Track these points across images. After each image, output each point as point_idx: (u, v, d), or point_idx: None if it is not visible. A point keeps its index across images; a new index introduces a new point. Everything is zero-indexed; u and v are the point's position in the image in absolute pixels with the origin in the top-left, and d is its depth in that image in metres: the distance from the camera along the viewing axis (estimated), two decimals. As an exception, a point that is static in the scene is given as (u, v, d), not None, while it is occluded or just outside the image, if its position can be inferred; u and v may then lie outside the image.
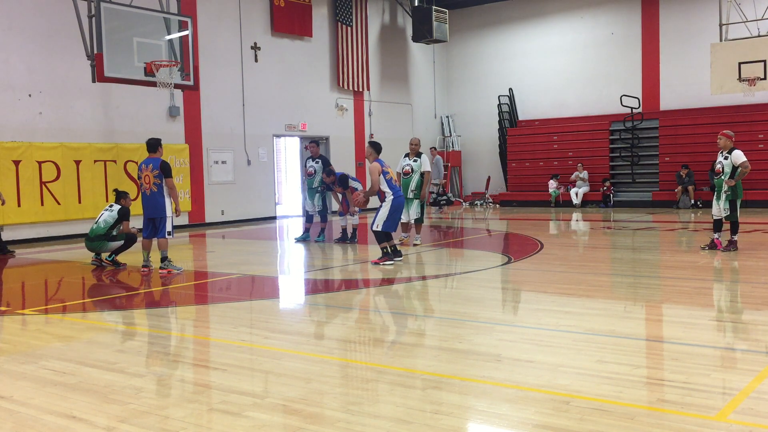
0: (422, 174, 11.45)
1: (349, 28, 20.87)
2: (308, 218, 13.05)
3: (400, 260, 9.82)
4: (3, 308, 7.54)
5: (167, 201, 9.43)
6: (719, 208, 9.99)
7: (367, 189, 10.28)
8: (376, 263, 9.67)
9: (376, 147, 10.12)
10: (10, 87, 13.69)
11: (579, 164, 20.68)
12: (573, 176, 20.68)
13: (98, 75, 11.36)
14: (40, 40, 14.08)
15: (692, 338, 5.34)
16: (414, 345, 5.47)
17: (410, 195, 11.45)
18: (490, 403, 4.00)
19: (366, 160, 10.51)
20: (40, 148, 13.96)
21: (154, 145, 9.56)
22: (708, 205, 18.64)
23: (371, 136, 21.63)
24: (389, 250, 9.73)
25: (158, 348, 5.70)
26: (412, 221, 11.57)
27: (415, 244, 11.56)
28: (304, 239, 12.90)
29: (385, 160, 10.07)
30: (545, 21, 22.74)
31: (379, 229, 9.73)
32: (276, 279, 9.59)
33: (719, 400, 3.96)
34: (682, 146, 19.54)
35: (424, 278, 8.97)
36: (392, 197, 9.78)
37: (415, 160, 11.53)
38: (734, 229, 10.02)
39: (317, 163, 12.57)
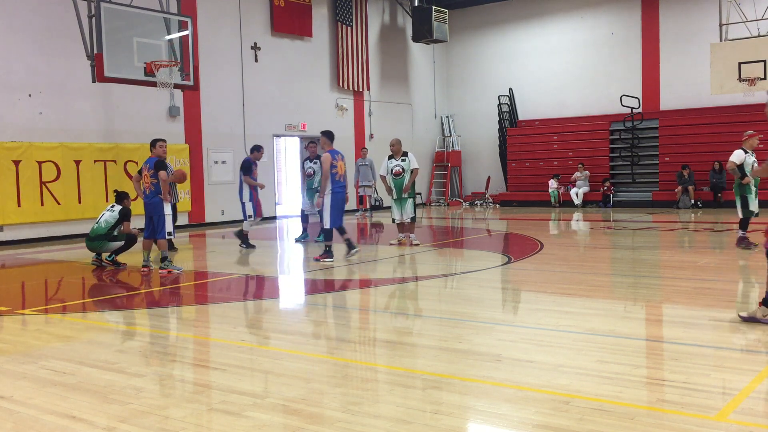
0: (411, 171, 11.49)
1: (349, 28, 20.86)
2: (304, 218, 13.07)
3: (332, 261, 9.95)
4: (3, 308, 7.54)
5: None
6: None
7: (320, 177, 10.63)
8: (317, 259, 10.05)
9: (330, 136, 10.33)
10: (10, 87, 13.69)
11: (580, 164, 20.67)
12: (574, 176, 20.67)
13: (98, 75, 11.36)
14: (40, 40, 14.07)
15: (692, 338, 5.34)
16: (414, 345, 5.47)
17: (404, 195, 11.47)
18: (490, 403, 4.00)
19: (322, 149, 10.58)
20: (40, 148, 13.96)
21: (152, 143, 9.62)
22: (708, 205, 18.72)
23: (371, 136, 21.64)
24: (331, 249, 10.07)
25: (158, 348, 5.69)
26: (407, 220, 11.57)
27: (415, 244, 11.56)
28: (303, 239, 12.90)
29: (343, 153, 10.46)
30: (545, 21, 22.73)
31: (328, 226, 10.00)
32: (276, 279, 9.60)
33: (719, 400, 3.96)
34: (682, 146, 19.54)
35: (424, 278, 8.96)
36: (330, 192, 9.96)
37: (403, 160, 11.56)
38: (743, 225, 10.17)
39: (316, 164, 12.55)
